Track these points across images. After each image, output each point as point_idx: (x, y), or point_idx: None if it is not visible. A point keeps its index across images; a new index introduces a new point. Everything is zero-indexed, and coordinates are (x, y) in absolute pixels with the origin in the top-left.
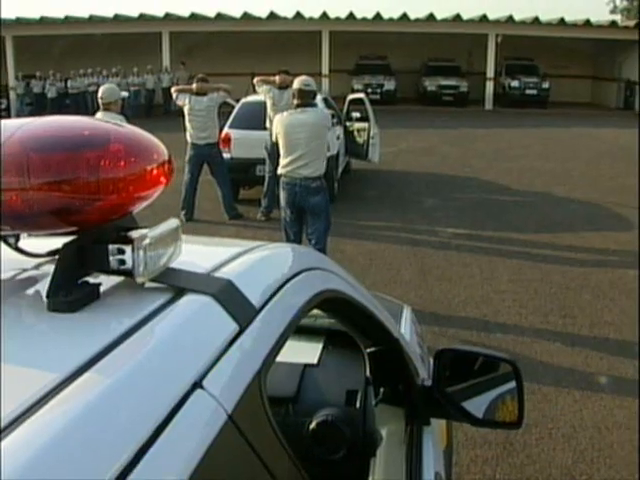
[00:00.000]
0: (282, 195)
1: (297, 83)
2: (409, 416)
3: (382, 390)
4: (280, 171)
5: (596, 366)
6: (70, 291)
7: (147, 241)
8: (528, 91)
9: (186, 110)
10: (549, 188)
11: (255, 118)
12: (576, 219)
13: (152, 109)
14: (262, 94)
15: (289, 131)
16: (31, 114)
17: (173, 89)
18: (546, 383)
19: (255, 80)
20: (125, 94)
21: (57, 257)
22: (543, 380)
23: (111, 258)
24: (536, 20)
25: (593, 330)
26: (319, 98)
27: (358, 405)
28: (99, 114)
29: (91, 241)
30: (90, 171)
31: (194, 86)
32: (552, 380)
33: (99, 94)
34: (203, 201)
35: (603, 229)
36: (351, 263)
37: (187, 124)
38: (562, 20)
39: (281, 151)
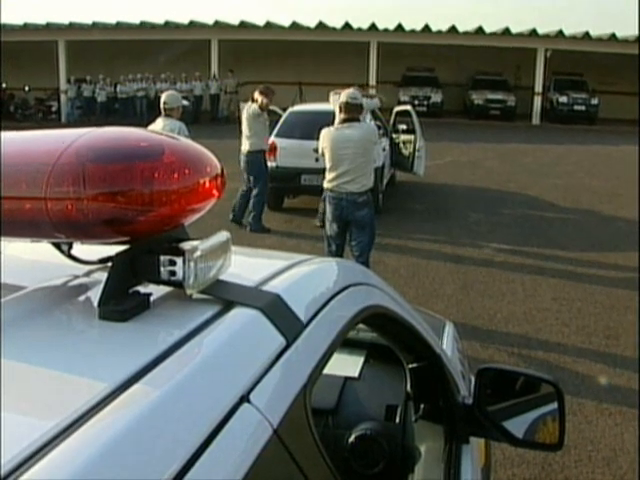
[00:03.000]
0: (328, 209)
1: (344, 96)
2: (448, 433)
3: (422, 406)
4: (326, 185)
5: None
6: (121, 300)
7: (198, 253)
8: (576, 107)
9: None
10: (595, 206)
11: (301, 127)
12: (622, 238)
13: (200, 116)
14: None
15: (335, 146)
16: (80, 117)
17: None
18: (587, 404)
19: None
20: (186, 102)
21: (109, 265)
22: (584, 401)
23: (162, 269)
24: (586, 35)
25: (637, 352)
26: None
27: (398, 420)
28: (160, 119)
29: (143, 251)
30: (144, 183)
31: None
32: (594, 401)
33: (162, 99)
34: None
35: None
36: (393, 275)
37: None
38: (613, 35)
39: (327, 165)
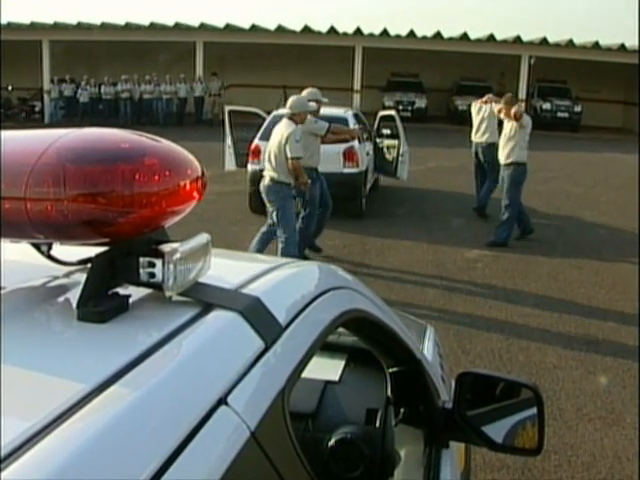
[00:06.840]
0: None
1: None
2: (428, 438)
3: (402, 410)
4: None
5: (619, 394)
6: (100, 302)
7: (178, 255)
8: (559, 114)
9: None
10: (577, 212)
11: None
12: (603, 245)
13: (184, 118)
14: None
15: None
16: (64, 118)
17: None
18: (567, 410)
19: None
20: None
21: (88, 267)
22: (564, 407)
23: (141, 271)
24: (570, 43)
25: (617, 357)
26: (350, 113)
27: (378, 424)
28: (284, 120)
29: (123, 253)
30: (124, 184)
31: None
32: (573, 407)
33: (287, 103)
34: (232, 212)
35: (630, 256)
36: (375, 279)
37: None
38: (596, 43)
39: None
